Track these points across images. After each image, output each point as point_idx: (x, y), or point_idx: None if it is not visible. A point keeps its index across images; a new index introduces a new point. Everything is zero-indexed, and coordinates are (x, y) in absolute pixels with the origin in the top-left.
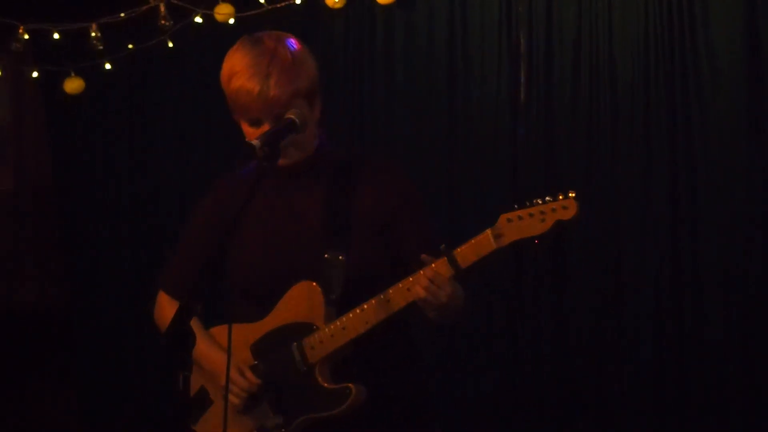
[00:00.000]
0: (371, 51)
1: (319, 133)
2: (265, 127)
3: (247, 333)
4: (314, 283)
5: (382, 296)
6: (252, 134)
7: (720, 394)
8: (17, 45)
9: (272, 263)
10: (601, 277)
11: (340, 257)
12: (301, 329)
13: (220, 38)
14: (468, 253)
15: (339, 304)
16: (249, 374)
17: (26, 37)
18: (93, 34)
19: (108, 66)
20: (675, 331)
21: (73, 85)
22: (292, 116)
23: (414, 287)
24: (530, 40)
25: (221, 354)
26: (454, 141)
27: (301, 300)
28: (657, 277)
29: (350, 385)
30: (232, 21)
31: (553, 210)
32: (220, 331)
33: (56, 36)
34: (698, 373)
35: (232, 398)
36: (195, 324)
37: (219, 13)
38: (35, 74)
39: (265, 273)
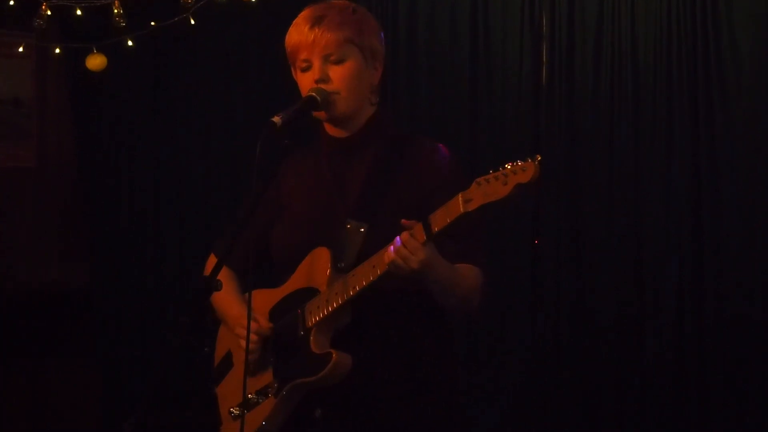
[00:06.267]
0: (393, 32)
1: (376, 101)
2: (316, 73)
3: (269, 298)
4: (326, 249)
5: (368, 262)
6: (306, 84)
7: (740, 382)
8: (40, 22)
9: (305, 233)
10: (622, 266)
11: (362, 229)
12: (308, 294)
13: (243, 15)
14: (440, 216)
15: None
16: (262, 320)
17: (49, 13)
18: (116, 11)
19: (130, 43)
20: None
21: (95, 62)
22: (313, 93)
23: (388, 251)
24: (552, 22)
25: (242, 312)
26: (476, 122)
27: (313, 265)
28: (680, 262)
29: (332, 351)
30: None
31: (514, 172)
32: (254, 295)
33: (79, 13)
34: (719, 358)
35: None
36: (233, 288)
37: None
38: (58, 51)
39: (297, 242)
